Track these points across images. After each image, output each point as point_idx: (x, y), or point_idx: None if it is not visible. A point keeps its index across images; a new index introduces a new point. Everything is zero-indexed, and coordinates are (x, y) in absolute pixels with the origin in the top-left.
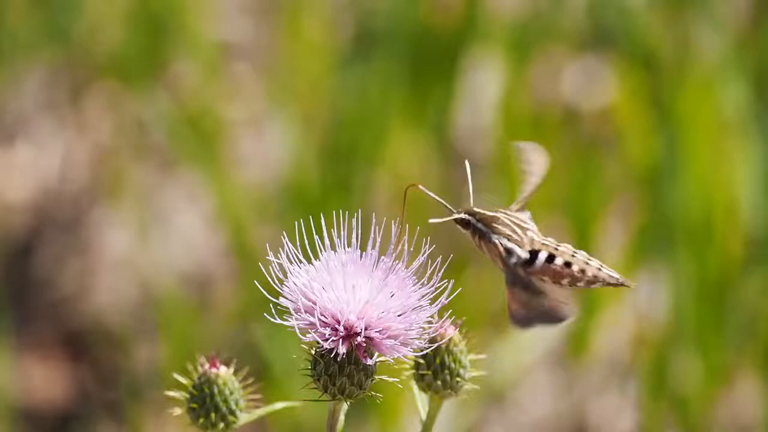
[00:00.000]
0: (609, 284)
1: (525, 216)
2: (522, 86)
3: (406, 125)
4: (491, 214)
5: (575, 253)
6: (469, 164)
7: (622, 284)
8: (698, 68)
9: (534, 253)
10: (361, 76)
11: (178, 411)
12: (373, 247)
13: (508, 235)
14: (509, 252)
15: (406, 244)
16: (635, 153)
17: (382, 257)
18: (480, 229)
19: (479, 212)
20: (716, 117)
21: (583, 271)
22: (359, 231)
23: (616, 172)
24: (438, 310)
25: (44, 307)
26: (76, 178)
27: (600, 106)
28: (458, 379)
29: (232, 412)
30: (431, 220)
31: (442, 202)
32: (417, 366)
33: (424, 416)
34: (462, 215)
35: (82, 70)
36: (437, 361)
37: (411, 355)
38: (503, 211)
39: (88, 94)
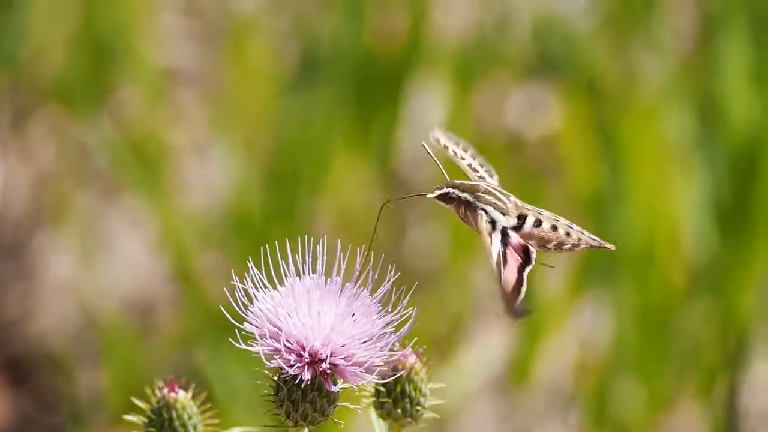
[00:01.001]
0: (592, 246)
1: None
2: (466, 113)
3: (350, 152)
4: (471, 183)
5: (558, 218)
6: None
7: (603, 247)
8: (642, 95)
9: (522, 218)
10: (305, 102)
11: None
12: (338, 274)
13: (494, 202)
14: (492, 223)
15: (371, 271)
16: (579, 180)
17: (347, 284)
18: (466, 198)
19: (460, 183)
20: (660, 144)
21: (568, 234)
22: (324, 257)
23: (560, 199)
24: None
25: None
26: (18, 203)
27: (544, 133)
28: (418, 407)
29: None
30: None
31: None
32: (377, 393)
33: None
34: (445, 189)
35: (26, 95)
36: (398, 389)
37: (373, 382)
38: (480, 179)
39: (32, 119)
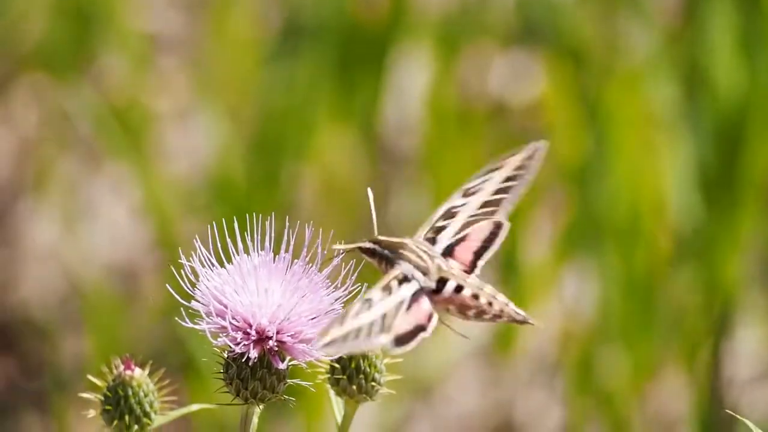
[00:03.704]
0: (514, 320)
1: (430, 245)
2: (450, 80)
3: (334, 119)
4: (397, 240)
5: (483, 286)
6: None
7: (526, 322)
8: (627, 64)
9: (442, 282)
10: (289, 69)
11: (92, 413)
12: (287, 251)
13: (415, 261)
14: (405, 279)
15: (320, 248)
16: (563, 148)
17: (296, 260)
18: (386, 255)
19: (384, 240)
20: (644, 113)
21: (490, 304)
22: (272, 234)
23: (544, 168)
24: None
25: None
26: (1, 170)
27: (528, 101)
28: (373, 383)
29: (147, 415)
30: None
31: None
32: (332, 370)
33: (339, 419)
34: (367, 244)
35: (8, 62)
36: (352, 365)
37: (324, 359)
38: (410, 238)
39: (14, 85)
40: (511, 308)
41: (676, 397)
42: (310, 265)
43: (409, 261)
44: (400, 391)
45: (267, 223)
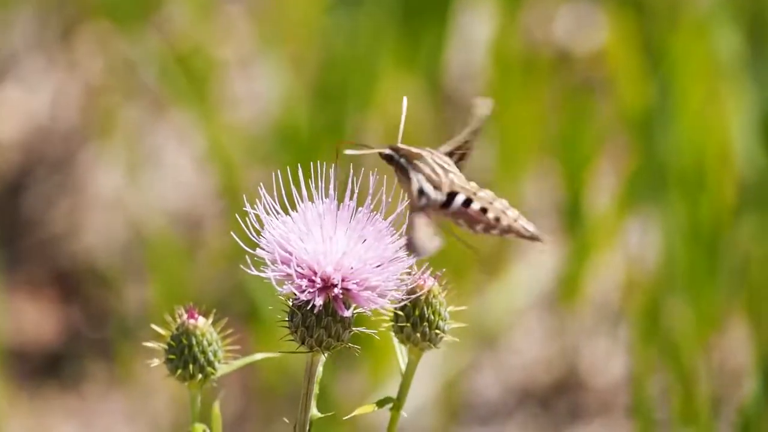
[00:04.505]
0: (522, 236)
1: (449, 160)
2: (514, 29)
3: (398, 67)
4: (416, 151)
5: (494, 200)
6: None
7: (535, 238)
8: (691, 12)
9: (451, 195)
10: (353, 17)
11: (156, 361)
12: (351, 198)
13: (428, 174)
14: (421, 192)
15: (384, 195)
16: (628, 97)
17: (360, 208)
18: (401, 164)
19: (403, 148)
20: (709, 61)
21: (498, 219)
22: (336, 181)
23: (609, 116)
24: (417, 262)
25: (34, 246)
26: (66, 118)
27: (592, 50)
28: (437, 331)
29: (210, 364)
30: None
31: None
32: (396, 318)
33: (403, 367)
34: (386, 150)
35: (73, 10)
36: (416, 313)
37: (389, 306)
38: (429, 150)
39: (79, 33)
40: (520, 224)
41: (741, 347)
42: (375, 212)
43: (422, 172)
44: (466, 340)
45: (331, 170)
